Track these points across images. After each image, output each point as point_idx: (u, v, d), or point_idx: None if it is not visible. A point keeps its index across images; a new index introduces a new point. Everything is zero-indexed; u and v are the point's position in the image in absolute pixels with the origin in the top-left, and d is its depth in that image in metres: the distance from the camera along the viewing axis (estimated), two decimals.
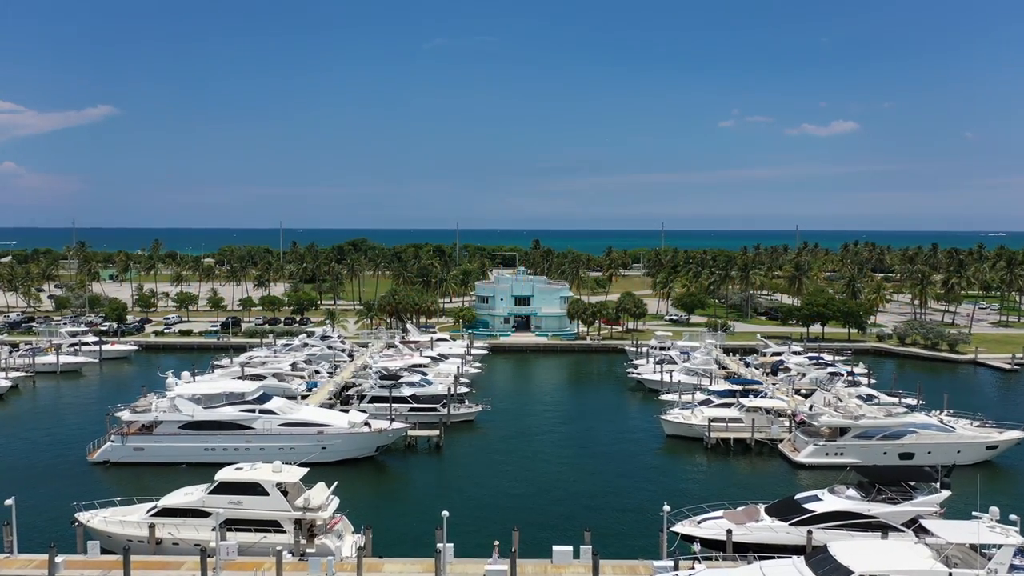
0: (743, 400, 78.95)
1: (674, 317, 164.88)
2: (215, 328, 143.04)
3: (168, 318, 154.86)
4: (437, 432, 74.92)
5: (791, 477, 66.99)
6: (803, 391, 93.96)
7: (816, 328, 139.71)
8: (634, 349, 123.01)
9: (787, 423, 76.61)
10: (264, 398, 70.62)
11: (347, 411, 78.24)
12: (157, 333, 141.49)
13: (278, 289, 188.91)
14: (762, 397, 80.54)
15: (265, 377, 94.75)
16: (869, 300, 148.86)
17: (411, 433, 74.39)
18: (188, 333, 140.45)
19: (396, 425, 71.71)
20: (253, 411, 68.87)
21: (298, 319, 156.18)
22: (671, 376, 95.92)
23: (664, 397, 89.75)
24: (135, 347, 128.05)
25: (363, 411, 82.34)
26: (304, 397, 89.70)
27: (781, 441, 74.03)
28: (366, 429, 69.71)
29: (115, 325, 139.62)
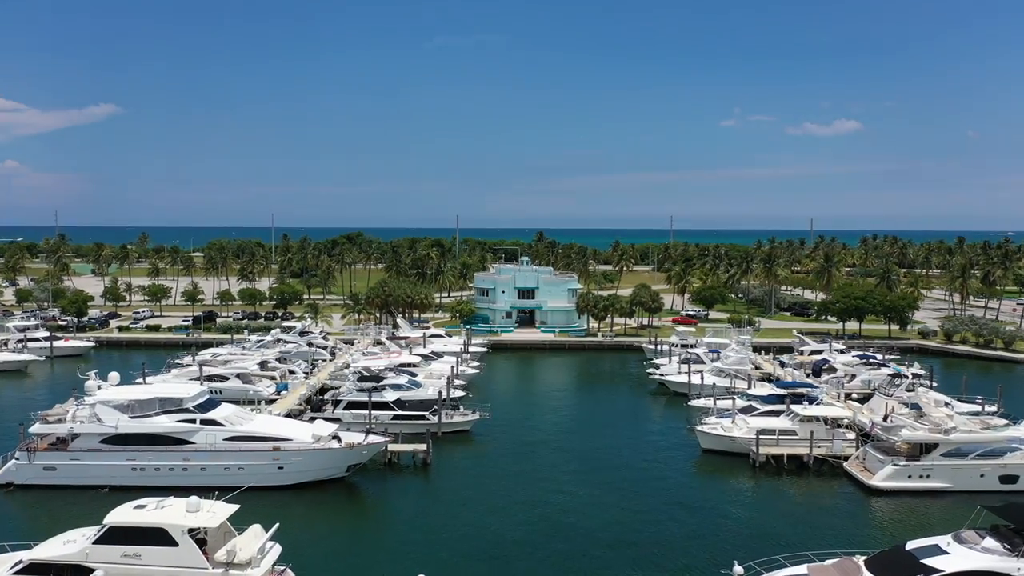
0: (795, 407, 65.20)
1: (691, 312, 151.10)
2: (186, 323, 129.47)
3: (138, 312, 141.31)
4: (424, 447, 61.27)
5: (867, 507, 53.27)
6: (854, 395, 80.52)
7: (849, 325, 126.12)
8: (653, 347, 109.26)
9: (852, 436, 63.04)
10: (208, 405, 56.96)
11: (320, 420, 64.86)
12: (121, 328, 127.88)
13: (265, 284, 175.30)
14: (818, 404, 66.78)
15: (227, 378, 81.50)
16: (906, 294, 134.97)
17: (392, 448, 60.78)
18: (156, 328, 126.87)
19: (373, 439, 58.05)
20: (193, 421, 55.23)
21: (280, 314, 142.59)
22: (702, 378, 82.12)
23: (695, 403, 76.09)
24: (92, 343, 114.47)
25: (336, 419, 68.97)
26: (271, 401, 76.44)
27: (846, 459, 60.31)
28: (335, 444, 56.09)
29: (74, 319, 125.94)
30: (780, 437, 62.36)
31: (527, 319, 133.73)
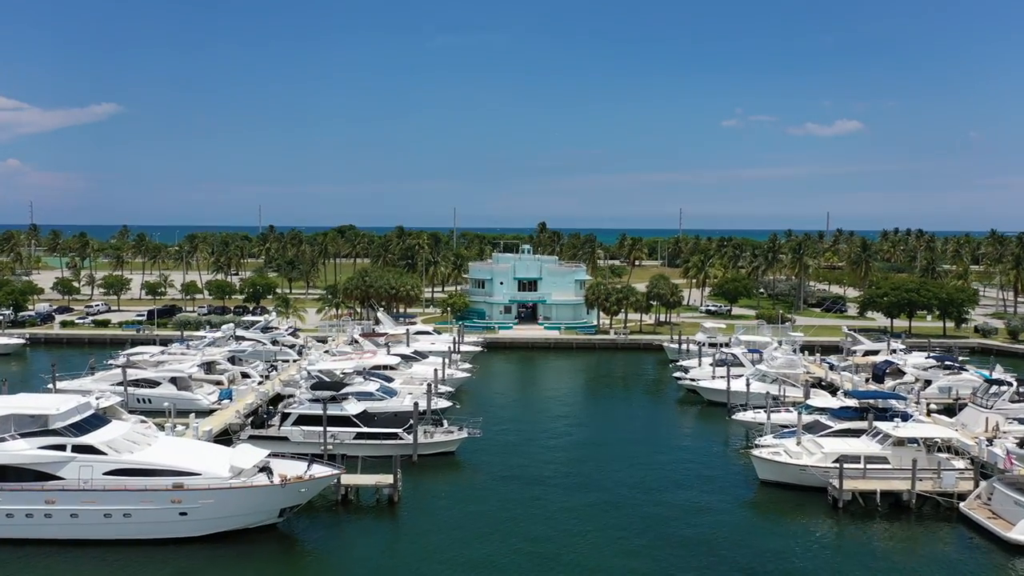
0: (880, 425, 49.48)
1: (711, 308, 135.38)
2: (140, 318, 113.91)
3: (91, 306, 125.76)
4: (391, 479, 45.54)
5: (1013, 575, 37.56)
6: (932, 406, 64.82)
7: (882, 322, 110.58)
8: (675, 346, 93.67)
9: (961, 465, 47.42)
10: (88, 424, 41.26)
11: (246, 444, 49.65)
12: (65, 324, 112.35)
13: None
14: (911, 421, 51.06)
15: (158, 383, 66.16)
16: (963, 287, 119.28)
17: (347, 480, 45.20)
18: (105, 324, 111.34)
19: (318, 470, 42.42)
20: (63, 448, 39.58)
21: (252, 308, 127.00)
22: (747, 384, 66.32)
23: (739, 417, 60.42)
24: (24, 341, 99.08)
25: (283, 438, 53.70)
26: (210, 413, 61.11)
27: (962, 498, 44.60)
28: (262, 479, 40.51)
29: (8, 314, 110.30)
30: (868, 467, 46.68)
31: (529, 314, 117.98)
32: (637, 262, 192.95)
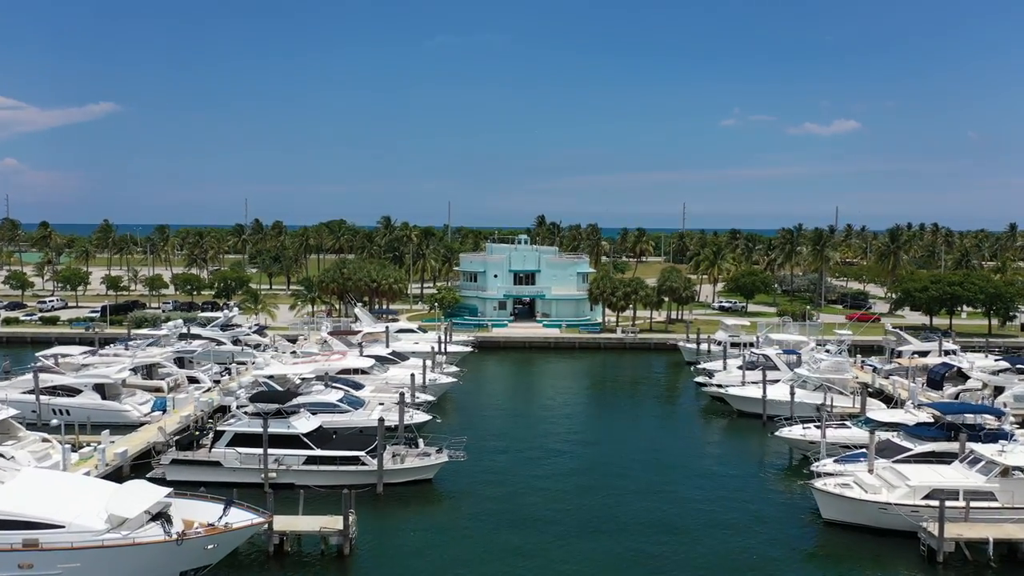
0: (979, 448, 38.22)
1: (725, 304, 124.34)
2: (94, 314, 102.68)
3: (43, 302, 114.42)
4: (340, 523, 34.26)
5: None
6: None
7: (912, 318, 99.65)
8: (692, 346, 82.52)
9: None
10: None
11: (140, 480, 38.79)
12: (8, 321, 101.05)
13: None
14: (1017, 443, 39.79)
15: (78, 391, 55.08)
16: (1012, 280, 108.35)
17: (282, 527, 33.95)
18: (54, 321, 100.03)
19: (238, 516, 31.21)
20: None
21: (222, 304, 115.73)
22: (791, 393, 54.91)
23: (784, 433, 49.10)
24: None
25: (215, 462, 42.60)
26: (139, 426, 50.20)
27: None
28: (153, 531, 29.26)
29: None
30: (971, 506, 35.49)
31: (526, 311, 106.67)
32: (642, 257, 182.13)
